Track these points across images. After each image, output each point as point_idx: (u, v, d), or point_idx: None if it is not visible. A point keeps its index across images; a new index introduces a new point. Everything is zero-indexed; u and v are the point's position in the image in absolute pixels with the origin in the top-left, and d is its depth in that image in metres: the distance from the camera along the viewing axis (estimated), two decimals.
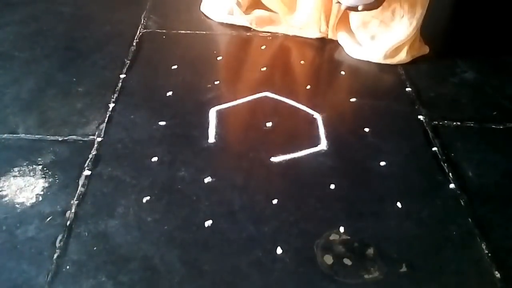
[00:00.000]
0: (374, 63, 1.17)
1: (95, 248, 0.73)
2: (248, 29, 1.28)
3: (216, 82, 1.08)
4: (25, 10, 1.33)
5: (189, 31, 1.27)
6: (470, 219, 0.80)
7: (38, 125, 0.95)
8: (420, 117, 1.02)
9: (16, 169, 0.85)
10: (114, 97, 1.03)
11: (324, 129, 0.97)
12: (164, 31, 1.27)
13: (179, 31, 1.27)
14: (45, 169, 0.86)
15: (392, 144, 0.94)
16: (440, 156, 0.92)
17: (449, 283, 0.71)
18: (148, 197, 0.81)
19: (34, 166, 0.86)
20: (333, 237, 0.76)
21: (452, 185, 0.86)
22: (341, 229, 0.78)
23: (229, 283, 0.70)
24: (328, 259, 0.73)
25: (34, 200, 0.80)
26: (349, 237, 0.77)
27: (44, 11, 1.33)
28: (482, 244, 0.77)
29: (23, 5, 1.34)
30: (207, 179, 0.85)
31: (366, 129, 0.97)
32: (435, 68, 1.18)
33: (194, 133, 0.95)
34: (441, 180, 0.87)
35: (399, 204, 0.82)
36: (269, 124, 0.97)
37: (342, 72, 1.16)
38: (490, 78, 1.15)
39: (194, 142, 0.93)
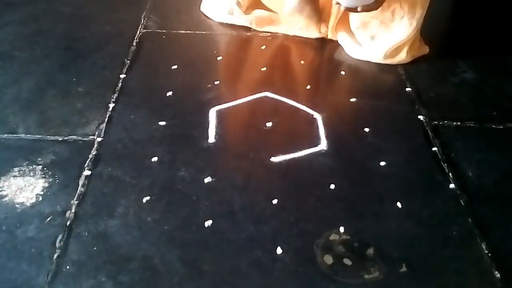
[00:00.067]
0: (374, 63, 1.17)
1: (95, 248, 0.73)
2: (248, 29, 1.28)
3: (216, 82, 1.08)
4: (25, 10, 1.33)
5: (189, 31, 1.27)
6: (470, 219, 0.81)
7: (38, 125, 0.95)
8: (420, 117, 1.02)
9: (16, 169, 0.85)
10: (114, 97, 1.03)
11: (324, 129, 0.97)
12: (164, 31, 1.27)
13: (179, 31, 1.27)
14: (45, 169, 0.86)
15: (392, 144, 0.94)
16: (440, 156, 0.92)
17: (449, 283, 0.72)
18: (148, 197, 0.81)
19: (34, 166, 0.86)
20: (333, 237, 0.76)
21: (452, 185, 0.86)
22: (341, 229, 0.78)
23: (229, 283, 0.70)
24: (328, 259, 0.73)
25: (34, 200, 0.80)
26: (349, 237, 0.77)
27: (44, 11, 1.33)
28: (482, 244, 0.77)
29: (23, 5, 1.34)
30: (207, 179, 0.85)
31: (366, 129, 0.97)
32: (435, 68, 1.18)
33: (194, 133, 0.95)
34: (441, 180, 0.87)
35: (399, 204, 0.82)
36: (269, 124, 0.97)
37: (342, 72, 1.16)
38: (490, 78, 1.15)
39: (194, 142, 0.93)
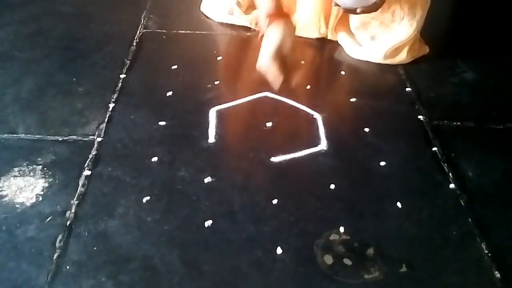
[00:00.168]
0: (374, 63, 1.17)
1: (95, 248, 0.73)
2: (248, 29, 1.28)
3: (216, 82, 1.08)
4: (25, 10, 1.33)
5: (189, 31, 1.27)
6: (470, 219, 0.81)
7: (38, 125, 0.95)
8: (420, 117, 1.02)
9: (16, 169, 0.85)
10: (114, 97, 1.03)
11: (324, 129, 0.97)
12: (164, 31, 1.27)
13: (179, 31, 1.27)
14: (45, 169, 0.85)
15: (392, 144, 0.94)
16: (440, 156, 0.92)
17: (449, 283, 0.71)
18: (148, 197, 0.81)
19: (34, 166, 0.86)
20: (333, 237, 0.76)
21: (452, 185, 0.86)
22: (341, 229, 0.78)
23: (229, 283, 0.70)
24: (328, 259, 0.73)
25: (34, 200, 0.80)
26: (349, 237, 0.77)
27: (44, 11, 1.33)
28: (482, 244, 0.77)
29: (23, 5, 1.34)
30: (207, 179, 0.85)
31: (366, 129, 0.97)
32: (435, 68, 1.18)
33: (194, 133, 0.95)
34: (441, 180, 0.87)
35: (399, 204, 0.82)
36: (269, 124, 0.97)
37: (342, 72, 1.16)
38: (490, 78, 1.15)
39: (194, 142, 0.93)
